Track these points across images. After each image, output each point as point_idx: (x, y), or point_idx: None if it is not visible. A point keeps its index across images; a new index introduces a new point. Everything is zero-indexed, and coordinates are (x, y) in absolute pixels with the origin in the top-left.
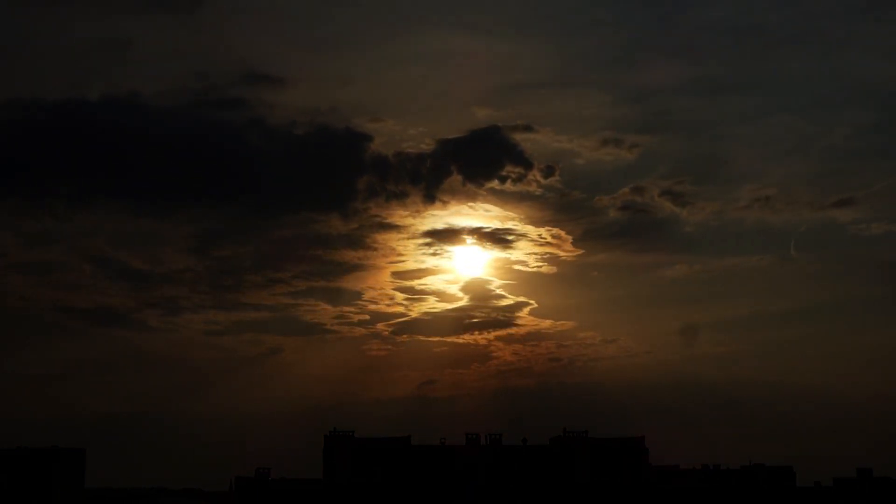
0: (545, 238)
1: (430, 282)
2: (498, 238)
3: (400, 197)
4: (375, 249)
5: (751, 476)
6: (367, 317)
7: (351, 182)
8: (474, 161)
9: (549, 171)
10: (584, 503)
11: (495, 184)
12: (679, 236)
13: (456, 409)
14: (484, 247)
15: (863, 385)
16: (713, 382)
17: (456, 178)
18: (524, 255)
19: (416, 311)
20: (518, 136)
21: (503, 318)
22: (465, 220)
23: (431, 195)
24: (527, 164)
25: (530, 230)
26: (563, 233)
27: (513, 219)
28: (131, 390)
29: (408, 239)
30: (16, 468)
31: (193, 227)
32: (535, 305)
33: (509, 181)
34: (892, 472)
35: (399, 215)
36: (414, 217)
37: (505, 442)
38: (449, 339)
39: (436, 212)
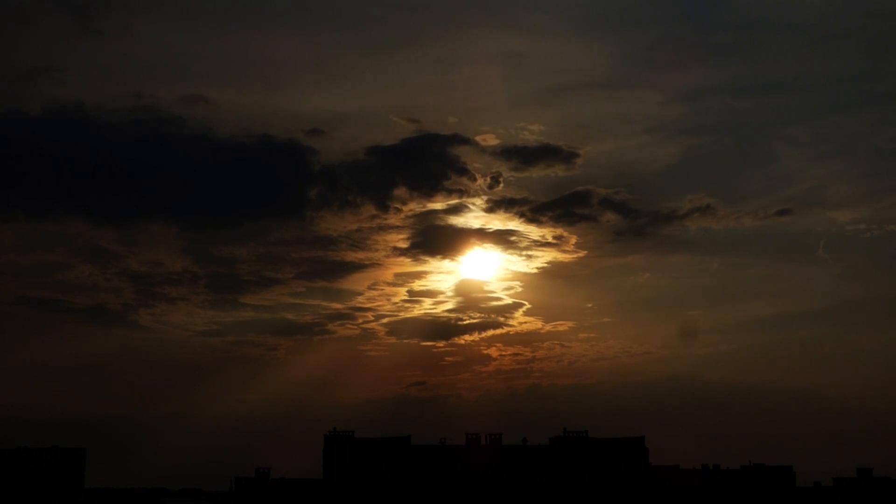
0: (546, 239)
1: (429, 282)
2: (499, 239)
3: (353, 206)
4: (375, 251)
5: (751, 476)
6: (366, 317)
7: (303, 191)
8: (420, 170)
9: (494, 181)
10: (584, 503)
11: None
12: (681, 238)
13: (456, 409)
14: (484, 248)
15: (862, 386)
16: (713, 382)
17: (402, 188)
18: (525, 256)
19: (416, 311)
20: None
21: (503, 319)
22: (463, 221)
23: (384, 204)
24: (470, 175)
25: (532, 231)
26: (564, 233)
27: (513, 220)
28: (131, 391)
29: (407, 240)
30: (16, 468)
31: (162, 235)
32: (536, 306)
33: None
34: (892, 472)
35: (397, 216)
36: (413, 218)
37: (505, 442)
38: (449, 340)
39: (434, 213)
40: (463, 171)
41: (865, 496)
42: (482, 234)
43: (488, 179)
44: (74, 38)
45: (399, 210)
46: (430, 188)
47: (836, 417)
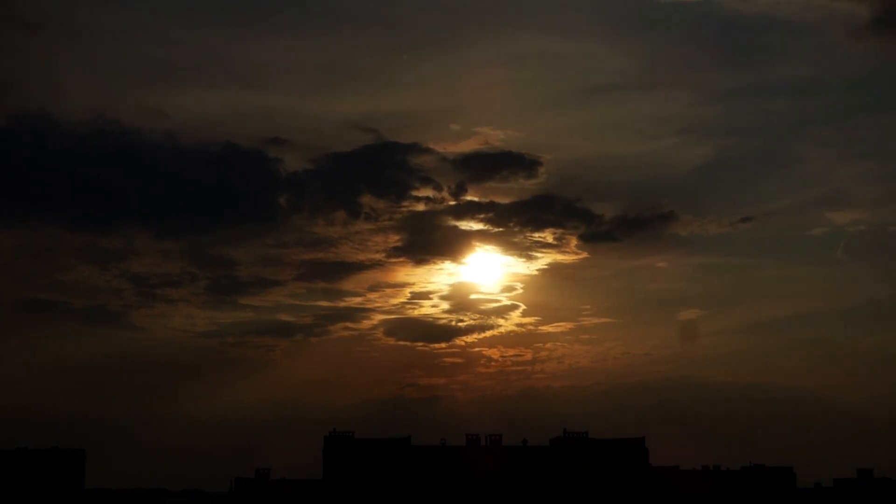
0: (547, 241)
1: (429, 284)
2: (498, 240)
3: (324, 212)
4: (375, 252)
5: (751, 476)
6: (366, 318)
7: (272, 198)
8: (381, 178)
9: (459, 189)
10: (584, 503)
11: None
12: (680, 238)
13: (456, 410)
14: (484, 249)
15: (863, 386)
16: (713, 383)
17: (367, 196)
18: (525, 257)
19: (416, 312)
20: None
21: (503, 320)
22: (462, 222)
23: (356, 212)
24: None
25: (531, 232)
26: (565, 234)
27: (511, 220)
28: (131, 391)
29: (406, 241)
30: (16, 468)
31: (139, 240)
32: (536, 307)
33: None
34: (892, 472)
35: (394, 218)
36: (412, 219)
37: (505, 442)
38: (449, 341)
39: (431, 214)
40: (427, 179)
41: (866, 497)
42: (482, 235)
43: (453, 186)
44: (31, 51)
45: (369, 216)
46: (397, 193)
47: (837, 418)
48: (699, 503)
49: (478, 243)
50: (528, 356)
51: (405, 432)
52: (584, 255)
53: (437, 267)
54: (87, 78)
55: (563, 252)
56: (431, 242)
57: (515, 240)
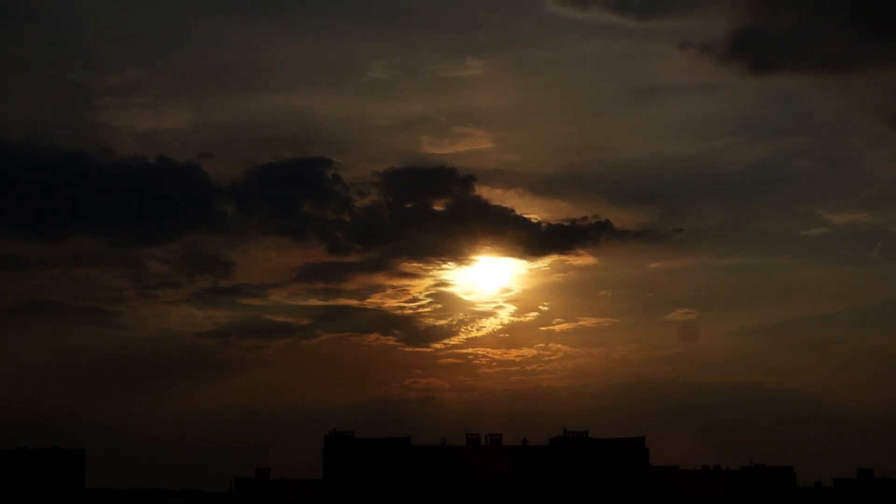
0: (549, 240)
1: (428, 283)
2: (499, 239)
3: (268, 220)
4: (373, 252)
5: (751, 476)
6: (367, 318)
7: (220, 207)
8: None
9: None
10: (584, 503)
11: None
12: (680, 238)
13: (456, 410)
14: (485, 249)
15: (863, 386)
16: (713, 383)
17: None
18: (527, 256)
19: (416, 311)
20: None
21: (503, 319)
22: (462, 221)
23: (302, 223)
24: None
25: (536, 231)
26: (568, 234)
27: (509, 221)
28: (131, 391)
29: (404, 240)
30: (16, 468)
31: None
32: (537, 306)
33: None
34: (892, 472)
35: (393, 216)
36: (410, 219)
37: (505, 442)
38: (449, 340)
39: (433, 213)
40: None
41: (866, 497)
42: (482, 235)
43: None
44: None
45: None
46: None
47: (837, 418)
48: (699, 503)
49: (481, 243)
50: (529, 356)
51: (405, 432)
52: (585, 255)
53: (439, 266)
54: (32, 93)
55: (563, 252)
56: (434, 242)
57: (513, 239)
